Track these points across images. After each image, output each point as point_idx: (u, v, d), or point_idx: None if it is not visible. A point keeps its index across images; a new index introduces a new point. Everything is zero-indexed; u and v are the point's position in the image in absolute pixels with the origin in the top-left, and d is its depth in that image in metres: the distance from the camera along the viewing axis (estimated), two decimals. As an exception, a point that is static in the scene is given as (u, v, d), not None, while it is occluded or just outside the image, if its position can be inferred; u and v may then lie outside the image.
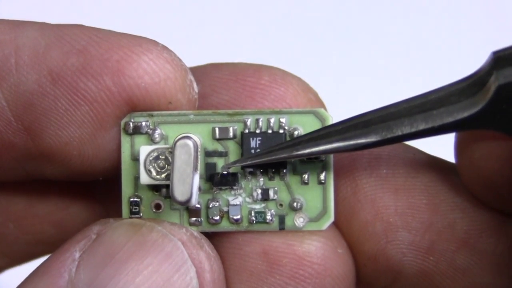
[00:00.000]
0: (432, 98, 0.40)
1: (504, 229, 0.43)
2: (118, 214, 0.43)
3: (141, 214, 0.42)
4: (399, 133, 0.40)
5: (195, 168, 0.38)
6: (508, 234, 0.43)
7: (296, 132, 0.42)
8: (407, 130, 0.39)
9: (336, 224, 0.44)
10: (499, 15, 0.88)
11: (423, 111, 0.39)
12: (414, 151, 0.45)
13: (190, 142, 0.38)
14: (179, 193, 0.37)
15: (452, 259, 0.43)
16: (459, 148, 0.42)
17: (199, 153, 0.41)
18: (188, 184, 0.37)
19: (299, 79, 0.45)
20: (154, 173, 0.41)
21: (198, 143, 0.41)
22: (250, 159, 0.41)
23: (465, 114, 0.39)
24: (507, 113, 0.38)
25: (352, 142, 0.40)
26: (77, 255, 0.39)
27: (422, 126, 0.39)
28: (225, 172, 0.42)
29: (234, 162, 0.42)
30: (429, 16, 0.93)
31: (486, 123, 0.39)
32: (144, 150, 0.41)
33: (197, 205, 0.42)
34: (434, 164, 0.44)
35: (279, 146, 0.41)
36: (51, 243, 0.50)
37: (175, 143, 0.38)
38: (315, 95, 0.45)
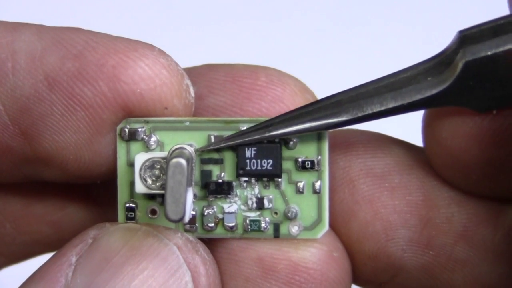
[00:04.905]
0: (400, 78, 0.40)
1: (500, 219, 0.43)
2: (114, 214, 0.43)
3: (137, 219, 0.43)
4: (369, 111, 0.40)
5: (189, 183, 0.38)
6: (504, 223, 0.43)
7: (291, 143, 0.42)
8: (377, 108, 0.40)
9: (334, 226, 0.44)
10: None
11: (392, 90, 0.40)
12: (407, 146, 0.45)
13: (183, 161, 0.38)
14: (172, 212, 0.38)
15: (451, 252, 0.44)
16: (426, 129, 0.43)
17: (194, 165, 0.41)
18: (181, 203, 0.37)
19: (296, 80, 0.45)
20: (149, 181, 0.41)
21: (193, 154, 0.41)
22: (224, 141, 0.41)
23: (434, 91, 0.39)
24: (474, 89, 0.39)
25: (324, 122, 0.40)
26: (74, 259, 0.40)
27: (391, 104, 0.40)
28: (220, 181, 0.42)
29: (208, 145, 0.42)
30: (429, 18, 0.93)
31: (454, 99, 0.39)
32: (139, 159, 0.41)
33: (192, 212, 0.42)
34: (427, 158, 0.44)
35: (252, 128, 0.41)
36: (48, 243, 0.51)
37: (168, 161, 0.38)
38: (312, 95, 0.45)
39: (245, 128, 0.42)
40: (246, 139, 0.41)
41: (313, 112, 0.41)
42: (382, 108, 0.40)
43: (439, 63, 0.40)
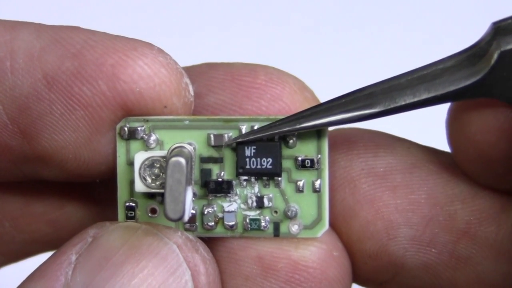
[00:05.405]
0: (433, 70, 0.40)
1: (504, 217, 0.43)
2: (113, 213, 0.43)
3: (137, 218, 0.43)
4: (402, 102, 0.40)
5: (188, 182, 0.38)
6: (508, 221, 0.43)
7: (290, 141, 0.42)
8: (410, 99, 0.40)
9: (334, 225, 0.44)
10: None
11: (425, 81, 0.40)
12: (408, 145, 0.45)
13: (182, 160, 0.38)
14: (172, 211, 0.38)
15: (454, 250, 0.44)
16: (453, 123, 0.42)
17: (193, 163, 0.41)
18: (180, 202, 0.37)
19: (295, 78, 0.45)
20: (149, 180, 0.41)
21: (193, 152, 0.41)
22: (252, 134, 0.41)
23: (467, 82, 0.39)
24: (508, 80, 0.39)
25: (356, 114, 0.40)
26: (74, 258, 0.39)
27: (425, 95, 0.40)
28: (219, 180, 0.42)
29: (236, 138, 0.42)
30: (426, 13, 0.93)
31: (488, 91, 0.39)
32: (139, 158, 0.41)
33: (192, 211, 0.42)
34: (429, 156, 0.44)
35: (282, 121, 0.41)
36: (46, 242, 0.51)
37: (167, 160, 0.38)
38: (312, 93, 0.45)
39: (244, 126, 0.42)
40: (277, 131, 0.41)
41: (345, 104, 0.41)
42: (415, 100, 0.40)
43: (472, 55, 0.40)
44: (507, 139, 0.40)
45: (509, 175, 0.41)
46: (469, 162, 0.43)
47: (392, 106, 0.40)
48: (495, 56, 0.38)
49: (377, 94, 0.40)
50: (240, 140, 0.42)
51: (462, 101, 0.41)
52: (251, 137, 0.41)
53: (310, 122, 0.41)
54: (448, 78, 0.40)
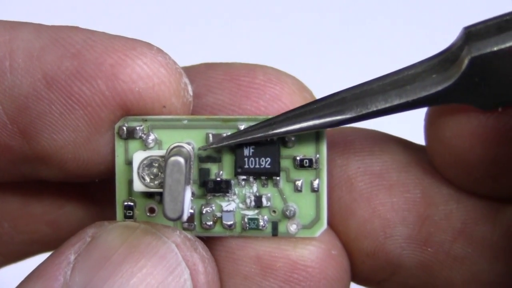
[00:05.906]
0: (405, 75, 0.40)
1: (499, 216, 0.43)
2: (113, 213, 0.43)
3: (135, 217, 0.43)
4: (374, 108, 0.40)
5: (187, 182, 0.38)
6: (503, 220, 0.43)
7: (289, 141, 0.42)
8: (381, 105, 0.40)
9: (332, 223, 0.44)
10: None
11: (397, 87, 0.40)
12: (404, 144, 0.45)
13: (181, 160, 0.38)
14: (171, 211, 0.38)
15: (450, 249, 0.44)
16: (429, 128, 0.42)
17: (192, 163, 0.41)
18: (179, 202, 0.38)
19: (293, 78, 0.45)
20: (147, 180, 0.41)
21: (191, 152, 0.41)
22: (226, 140, 0.41)
23: (439, 88, 0.39)
24: (480, 86, 0.38)
25: (327, 119, 0.40)
26: (72, 257, 0.40)
27: (396, 101, 0.40)
28: (218, 179, 0.42)
29: (209, 144, 0.42)
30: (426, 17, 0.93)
31: (459, 97, 0.39)
32: (138, 157, 0.41)
33: (191, 210, 0.42)
34: (425, 155, 0.44)
35: (255, 126, 0.41)
36: (46, 242, 0.51)
37: (166, 160, 0.38)
38: (310, 93, 0.45)
39: (243, 126, 0.42)
40: (249, 137, 0.41)
41: (316, 110, 0.40)
42: (387, 105, 0.40)
43: (444, 60, 0.40)
44: (481, 144, 0.40)
45: (487, 180, 0.42)
46: (446, 167, 0.43)
47: (364, 112, 0.40)
48: (466, 62, 0.38)
49: (349, 100, 0.40)
50: (213, 146, 0.42)
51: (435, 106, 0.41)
52: (225, 143, 0.41)
53: (282, 128, 0.41)
54: (419, 84, 0.39)
